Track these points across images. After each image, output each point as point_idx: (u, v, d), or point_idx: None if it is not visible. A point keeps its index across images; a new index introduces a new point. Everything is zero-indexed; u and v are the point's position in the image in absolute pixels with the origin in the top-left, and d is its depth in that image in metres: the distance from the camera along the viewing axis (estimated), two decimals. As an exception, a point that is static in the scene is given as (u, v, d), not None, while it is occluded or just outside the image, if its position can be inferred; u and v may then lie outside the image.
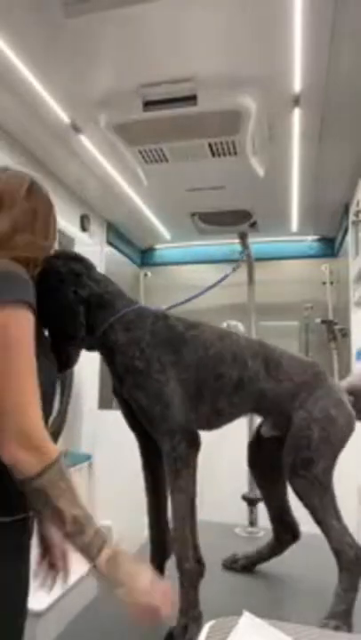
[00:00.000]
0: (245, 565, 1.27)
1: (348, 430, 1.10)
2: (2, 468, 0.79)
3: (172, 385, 0.99)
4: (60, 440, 2.80)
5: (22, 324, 0.83)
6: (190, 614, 0.93)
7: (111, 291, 1.06)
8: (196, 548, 0.97)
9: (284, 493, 1.21)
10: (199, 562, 0.97)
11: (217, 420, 1.12)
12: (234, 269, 1.75)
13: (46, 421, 0.88)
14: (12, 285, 0.84)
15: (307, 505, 1.03)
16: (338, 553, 1.00)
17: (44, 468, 0.79)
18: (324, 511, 1.02)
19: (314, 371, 1.17)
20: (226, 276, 1.67)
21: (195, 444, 0.99)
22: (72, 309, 0.99)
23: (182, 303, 1.39)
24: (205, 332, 1.09)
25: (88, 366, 2.94)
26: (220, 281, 1.63)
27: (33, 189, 1.02)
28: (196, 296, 1.49)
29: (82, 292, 1.01)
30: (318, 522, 1.02)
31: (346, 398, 1.13)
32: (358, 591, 0.98)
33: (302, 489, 1.04)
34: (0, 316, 0.80)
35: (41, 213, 1.02)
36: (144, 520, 2.00)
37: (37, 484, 0.78)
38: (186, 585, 0.94)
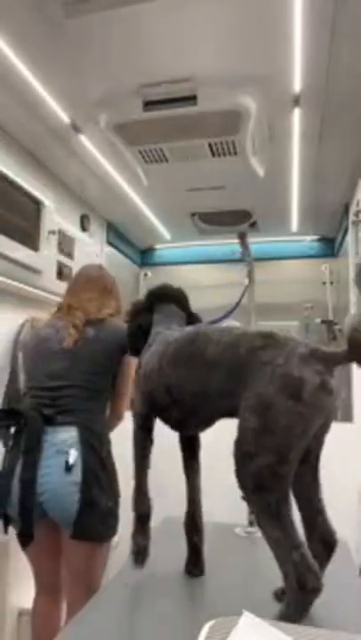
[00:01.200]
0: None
1: (302, 412, 0.89)
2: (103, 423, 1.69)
3: (140, 392, 1.29)
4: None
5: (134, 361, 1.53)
6: (135, 544, 1.21)
7: (156, 320, 1.38)
8: (139, 496, 1.24)
9: (311, 492, 1.02)
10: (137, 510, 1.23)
11: (185, 426, 1.25)
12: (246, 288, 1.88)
13: None
14: None
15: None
16: (283, 574, 0.88)
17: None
18: (261, 519, 0.91)
19: (248, 347, 0.99)
20: (241, 297, 1.87)
21: (140, 426, 1.28)
22: (134, 335, 1.42)
23: (221, 319, 1.64)
24: (161, 341, 1.25)
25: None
26: (238, 303, 1.83)
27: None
28: (225, 316, 1.79)
29: (140, 323, 1.41)
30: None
31: (303, 370, 0.91)
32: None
33: (242, 488, 0.92)
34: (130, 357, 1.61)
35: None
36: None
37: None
38: (134, 524, 1.23)
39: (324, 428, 0.99)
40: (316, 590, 0.85)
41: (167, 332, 1.26)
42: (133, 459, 1.28)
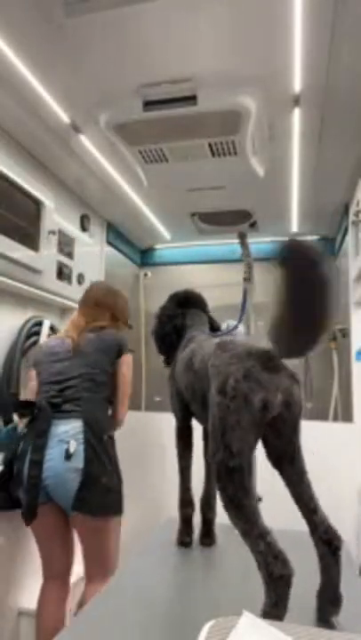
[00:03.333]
0: (321, 608, 1.00)
1: (228, 404, 0.95)
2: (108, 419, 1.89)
3: (172, 387, 1.53)
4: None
5: (132, 360, 2.00)
6: (180, 541, 1.47)
7: (189, 324, 1.61)
8: (183, 497, 1.49)
9: (302, 493, 1.01)
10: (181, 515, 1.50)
11: (202, 419, 1.36)
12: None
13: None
14: (126, 343, 1.99)
15: None
16: (256, 564, 0.90)
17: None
18: (228, 512, 0.94)
19: (207, 356, 1.15)
20: (244, 301, 1.98)
21: (179, 437, 1.53)
22: (169, 333, 1.63)
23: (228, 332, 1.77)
24: (190, 348, 1.41)
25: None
26: (243, 309, 1.95)
27: None
28: (237, 326, 1.92)
29: (175, 324, 1.62)
30: None
31: (230, 367, 0.98)
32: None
33: None
34: (128, 357, 1.98)
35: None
36: (143, 519, 2.03)
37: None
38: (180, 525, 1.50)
39: (281, 423, 0.99)
40: (285, 577, 0.86)
41: (198, 338, 1.47)
42: (178, 471, 1.50)
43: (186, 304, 1.68)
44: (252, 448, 0.96)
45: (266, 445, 1.04)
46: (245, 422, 0.93)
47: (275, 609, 0.85)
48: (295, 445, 1.03)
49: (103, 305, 2.07)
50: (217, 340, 1.23)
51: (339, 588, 0.98)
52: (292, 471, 1.02)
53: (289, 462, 1.02)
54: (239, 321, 1.93)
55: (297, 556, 1.14)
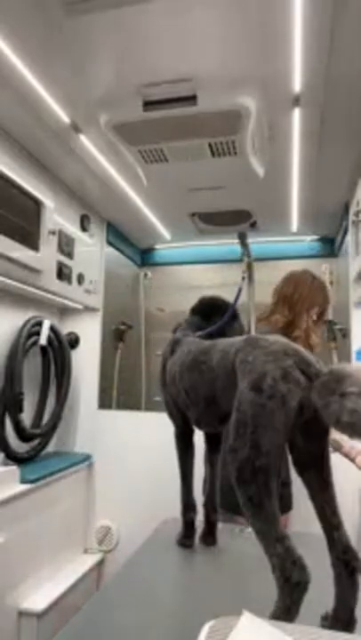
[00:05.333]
0: (332, 621, 0.96)
1: (264, 403, 0.92)
2: None
3: (167, 394, 1.48)
4: (55, 439, 2.81)
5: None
6: (181, 544, 1.47)
7: (180, 322, 1.61)
8: (186, 502, 1.48)
9: (323, 503, 0.99)
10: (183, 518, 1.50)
11: (202, 424, 1.38)
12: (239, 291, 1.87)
13: None
14: None
15: None
16: (271, 567, 0.88)
17: None
18: (245, 511, 0.91)
19: (234, 351, 1.08)
20: (236, 300, 1.82)
21: (178, 435, 1.50)
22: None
23: (217, 326, 1.59)
24: (182, 351, 1.39)
25: (88, 366, 2.94)
26: (233, 306, 1.80)
27: None
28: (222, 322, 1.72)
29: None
30: None
31: (267, 365, 0.95)
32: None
33: (234, 483, 0.95)
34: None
35: None
36: (143, 519, 2.03)
37: None
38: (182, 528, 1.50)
39: (312, 426, 0.95)
40: (302, 584, 0.85)
41: (187, 340, 1.43)
42: (180, 475, 1.49)
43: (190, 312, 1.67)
44: (280, 449, 0.94)
45: (293, 449, 1.01)
46: (279, 423, 0.92)
47: (286, 614, 0.84)
48: (323, 451, 1.00)
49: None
50: (244, 336, 1.15)
51: (354, 610, 0.94)
52: (317, 480, 0.99)
53: (315, 470, 1.00)
54: (227, 318, 1.82)
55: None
